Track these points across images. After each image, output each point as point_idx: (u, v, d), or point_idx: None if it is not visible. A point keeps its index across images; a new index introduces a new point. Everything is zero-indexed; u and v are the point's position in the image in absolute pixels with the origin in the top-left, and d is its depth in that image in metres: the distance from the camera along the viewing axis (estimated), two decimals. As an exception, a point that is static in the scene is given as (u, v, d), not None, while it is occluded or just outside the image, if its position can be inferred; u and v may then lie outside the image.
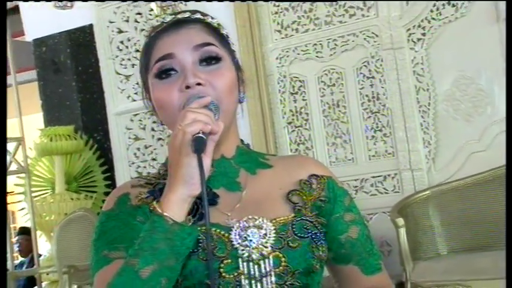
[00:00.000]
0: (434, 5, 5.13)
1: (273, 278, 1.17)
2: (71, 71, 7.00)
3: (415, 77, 5.23)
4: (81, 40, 6.82)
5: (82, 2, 5.75)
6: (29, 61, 7.26)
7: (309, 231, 1.22)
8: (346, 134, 5.42)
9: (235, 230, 1.19)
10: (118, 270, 1.12)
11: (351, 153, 5.39)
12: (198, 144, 1.09)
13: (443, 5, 5.11)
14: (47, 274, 6.23)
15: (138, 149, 6.30)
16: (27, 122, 6.34)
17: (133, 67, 6.27)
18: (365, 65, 5.37)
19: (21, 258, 7.21)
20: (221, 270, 1.16)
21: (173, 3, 5.71)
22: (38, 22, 6.80)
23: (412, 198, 4.89)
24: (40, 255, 6.65)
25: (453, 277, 4.37)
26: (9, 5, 6.49)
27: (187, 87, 1.19)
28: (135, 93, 6.28)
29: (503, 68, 4.96)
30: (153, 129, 6.25)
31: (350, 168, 5.25)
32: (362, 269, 1.31)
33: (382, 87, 5.28)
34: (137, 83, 6.24)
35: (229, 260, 1.17)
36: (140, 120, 6.29)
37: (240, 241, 1.18)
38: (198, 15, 1.29)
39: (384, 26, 5.25)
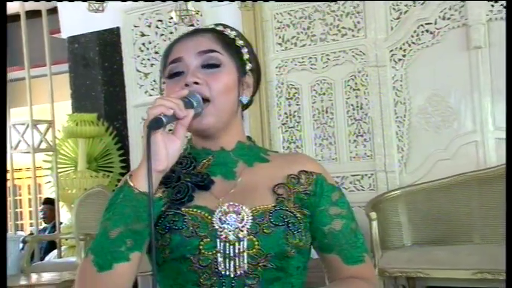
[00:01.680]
0: (414, 31, 5.15)
1: (246, 259, 1.15)
2: (98, 66, 7.01)
3: (394, 92, 5.24)
4: (109, 40, 6.82)
5: (112, 8, 5.75)
6: (63, 55, 7.24)
7: (285, 220, 1.19)
8: (332, 136, 5.44)
9: (217, 214, 1.17)
10: (97, 232, 1.15)
11: (335, 153, 5.41)
12: (156, 123, 1.09)
13: (423, 32, 5.13)
14: (66, 240, 6.24)
15: (152, 137, 6.31)
16: (58, 107, 6.34)
17: (152, 66, 6.28)
18: (352, 79, 5.37)
19: (44, 225, 7.19)
20: (200, 247, 1.15)
21: (191, 12, 5.72)
22: (72, 22, 6.80)
23: (384, 195, 4.92)
24: (61, 223, 6.66)
25: (415, 266, 4.40)
26: (48, 5, 6.51)
27: (186, 85, 1.19)
28: (152, 89, 6.29)
29: (471, 89, 5.00)
30: (165, 122, 6.26)
31: (333, 167, 5.25)
32: (343, 259, 1.27)
33: (366, 99, 5.29)
34: (154, 80, 6.25)
35: (209, 239, 1.15)
36: (155, 113, 6.29)
37: (219, 223, 1.16)
38: (221, 27, 1.29)
39: (371, 46, 5.26)
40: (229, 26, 1.31)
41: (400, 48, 5.21)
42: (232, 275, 1.15)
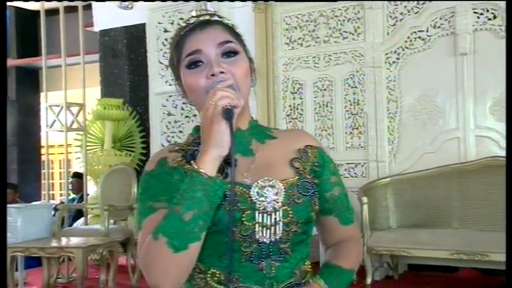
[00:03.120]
0: (408, 37, 5.14)
1: (281, 226, 1.17)
2: (125, 57, 7.05)
3: (387, 91, 5.24)
4: (135, 34, 6.85)
5: (139, 6, 5.77)
6: (95, 46, 7.27)
7: (310, 190, 1.22)
8: (330, 128, 5.46)
9: (254, 188, 1.17)
10: (164, 216, 1.10)
11: (333, 143, 5.43)
12: (229, 114, 1.09)
13: (415, 38, 5.12)
14: (92, 209, 6.27)
15: (170, 122, 6.33)
16: (89, 92, 6.36)
17: (173, 59, 6.30)
18: (350, 77, 5.38)
19: (73, 195, 7.23)
20: (243, 219, 1.15)
21: (210, 11, 5.72)
22: (104, 17, 6.85)
23: (375, 182, 4.94)
24: (88, 195, 6.67)
25: (400, 245, 4.43)
26: (84, 2, 6.52)
27: (213, 74, 1.17)
28: (172, 79, 6.28)
29: (456, 91, 5.00)
30: (182, 109, 6.28)
31: (331, 155, 5.10)
32: (340, 220, 1.30)
33: (362, 96, 5.30)
34: (174, 72, 6.27)
35: (249, 212, 1.15)
36: (173, 101, 6.31)
37: (257, 197, 1.16)
38: (216, 18, 1.27)
39: (368, 49, 5.26)
40: (223, 16, 1.29)
41: (395, 52, 5.21)
42: (268, 242, 1.17)
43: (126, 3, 5.34)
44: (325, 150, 1.33)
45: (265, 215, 1.16)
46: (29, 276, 5.40)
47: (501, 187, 4.47)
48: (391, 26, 5.23)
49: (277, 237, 1.17)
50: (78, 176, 7.23)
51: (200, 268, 1.18)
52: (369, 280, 4.47)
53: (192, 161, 1.13)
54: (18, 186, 8.20)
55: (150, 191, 1.19)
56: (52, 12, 7.41)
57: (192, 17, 1.25)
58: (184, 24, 1.26)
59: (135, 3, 5.39)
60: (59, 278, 5.29)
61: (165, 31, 6.32)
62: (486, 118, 4.90)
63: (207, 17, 1.25)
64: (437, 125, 5.06)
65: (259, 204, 1.16)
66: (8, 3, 8.30)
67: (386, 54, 5.24)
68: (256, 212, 1.16)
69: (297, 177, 1.22)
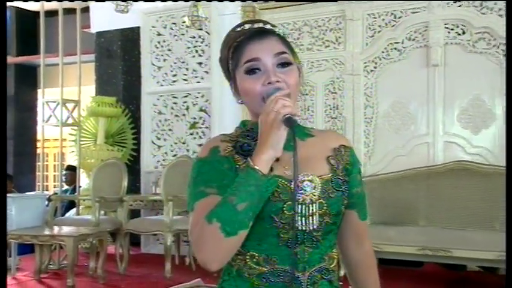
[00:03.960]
0: (385, 48, 5.26)
1: (317, 217, 1.23)
2: (119, 58, 7.07)
3: (365, 97, 5.34)
4: (130, 37, 6.87)
5: (134, 10, 5.80)
6: (91, 47, 7.29)
7: (342, 186, 1.27)
8: (310, 130, 5.52)
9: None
10: (218, 203, 1.15)
11: (312, 144, 5.48)
12: (291, 121, 1.14)
13: (392, 49, 5.23)
14: (83, 200, 6.28)
15: (160, 120, 6.38)
16: (84, 90, 6.38)
17: (164, 61, 6.35)
18: (331, 83, 5.47)
19: (66, 187, 7.21)
20: (284, 208, 1.19)
21: (201, 18, 5.78)
22: (101, 20, 6.88)
23: (350, 182, 4.99)
24: (80, 187, 6.70)
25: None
26: (82, 4, 6.55)
27: (269, 83, 1.21)
28: (163, 80, 6.36)
29: (427, 100, 5.11)
30: (172, 108, 6.33)
31: None
32: (359, 215, 1.37)
33: (341, 101, 5.39)
34: (166, 73, 6.33)
35: (290, 202, 1.19)
36: (164, 100, 6.36)
37: (297, 189, 1.21)
38: (269, 26, 1.30)
39: (348, 57, 5.36)
40: (275, 25, 1.34)
41: (372, 61, 5.32)
42: (304, 229, 1.23)
43: (123, 6, 5.37)
44: (354, 152, 1.40)
45: (303, 206, 1.22)
46: (21, 262, 5.42)
47: (465, 189, 4.61)
48: (370, 37, 5.34)
49: (313, 227, 1.23)
50: (71, 168, 7.22)
51: (240, 250, 1.22)
52: (341, 272, 4.53)
53: (248, 158, 1.18)
54: (14, 178, 8.18)
55: (203, 176, 1.23)
56: (51, 13, 7.42)
57: (246, 23, 1.30)
58: (239, 29, 1.30)
59: (130, 7, 5.43)
60: (50, 265, 5.32)
61: (158, 34, 6.38)
62: (454, 125, 5.03)
63: (261, 24, 1.30)
64: (409, 130, 5.17)
65: (299, 196, 1.22)
66: (10, 4, 8.32)
67: (365, 63, 5.34)
68: (296, 203, 1.21)
69: (331, 174, 1.28)
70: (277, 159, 1.18)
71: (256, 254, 1.23)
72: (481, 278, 4.80)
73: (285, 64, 1.26)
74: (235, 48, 1.28)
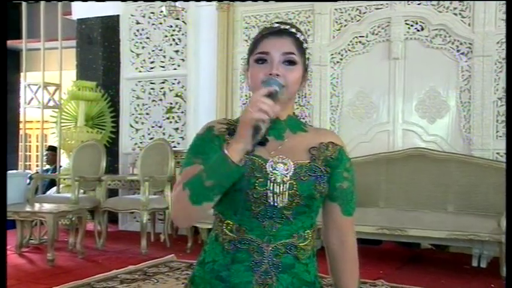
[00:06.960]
0: (350, 41, 5.29)
1: (287, 196, 1.27)
2: (99, 44, 6.96)
3: (331, 87, 5.37)
4: (110, 24, 6.77)
5: (115, -1, 5.71)
6: (72, 33, 7.14)
7: (316, 173, 1.30)
8: (280, 117, 5.52)
9: (269, 162, 1.28)
10: (194, 174, 1.24)
11: (281, 130, 5.49)
12: (256, 130, 1.18)
13: (356, 42, 5.27)
14: (64, 179, 6.22)
15: (138, 105, 6.31)
16: (65, 75, 6.28)
17: (142, 48, 6.26)
18: (299, 73, 5.46)
19: (47, 166, 7.12)
20: (256, 184, 1.26)
21: (178, 8, 5.72)
22: (82, 7, 6.75)
23: (315, 165, 5.02)
24: (61, 166, 6.63)
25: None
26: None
27: (271, 74, 1.27)
28: (142, 67, 6.28)
29: (388, 90, 5.16)
30: (149, 93, 6.26)
31: None
32: (341, 209, 1.36)
33: (309, 90, 5.39)
34: (144, 60, 6.25)
35: (262, 180, 1.26)
36: (142, 86, 6.29)
37: (271, 169, 1.27)
38: (294, 30, 1.34)
39: (317, 49, 5.36)
40: (299, 29, 1.38)
41: (339, 53, 5.34)
42: (275, 205, 1.27)
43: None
44: (346, 151, 1.39)
45: (274, 184, 1.26)
46: (3, 237, 5.33)
47: (421, 174, 4.69)
48: (337, 30, 5.36)
49: (283, 204, 1.27)
50: (52, 149, 7.12)
51: (220, 218, 1.32)
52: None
53: (225, 144, 1.25)
54: (-4, 157, 8.02)
55: (194, 148, 1.34)
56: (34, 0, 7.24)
57: (277, 23, 1.36)
58: (268, 26, 1.36)
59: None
60: (31, 240, 5.26)
61: (137, 23, 6.29)
62: (412, 115, 5.10)
63: (288, 27, 1.34)
64: (371, 119, 5.23)
65: (271, 175, 1.27)
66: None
67: (332, 54, 5.36)
68: (268, 181, 1.26)
69: (308, 161, 1.31)
70: (263, 145, 1.25)
71: (231, 223, 1.29)
72: (432, 254, 4.91)
73: (290, 62, 1.31)
74: (256, 40, 1.35)
